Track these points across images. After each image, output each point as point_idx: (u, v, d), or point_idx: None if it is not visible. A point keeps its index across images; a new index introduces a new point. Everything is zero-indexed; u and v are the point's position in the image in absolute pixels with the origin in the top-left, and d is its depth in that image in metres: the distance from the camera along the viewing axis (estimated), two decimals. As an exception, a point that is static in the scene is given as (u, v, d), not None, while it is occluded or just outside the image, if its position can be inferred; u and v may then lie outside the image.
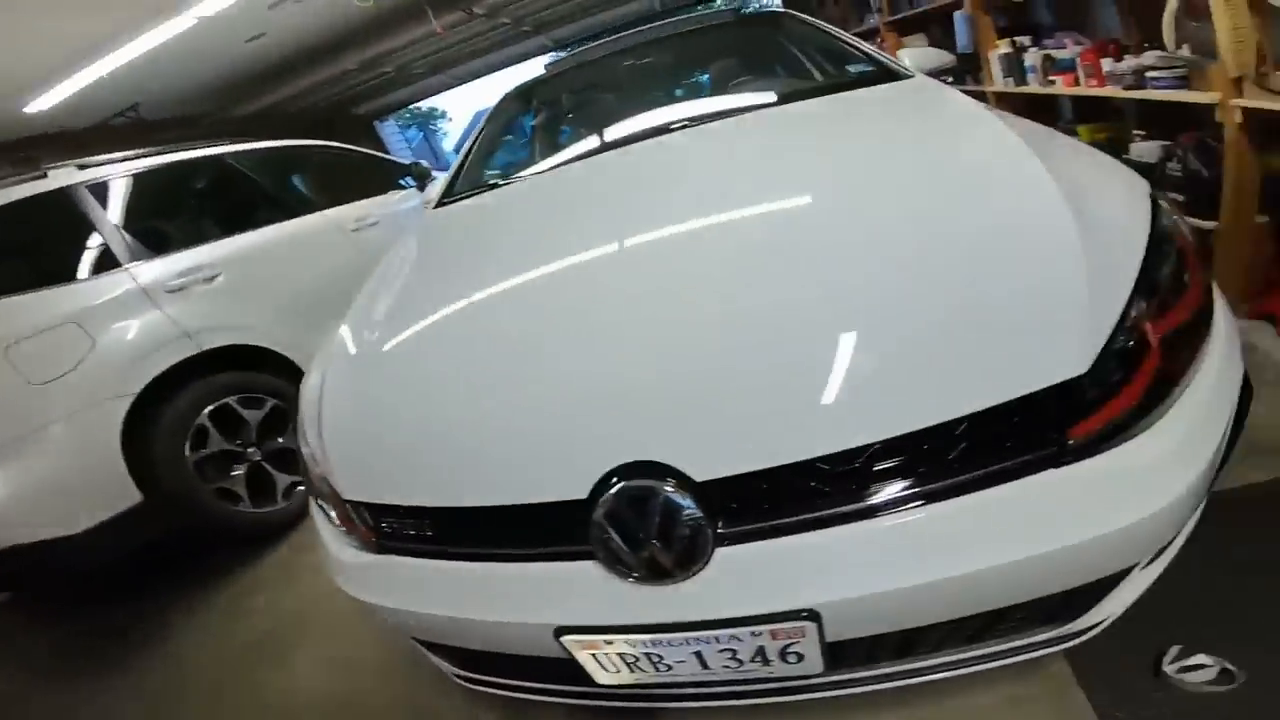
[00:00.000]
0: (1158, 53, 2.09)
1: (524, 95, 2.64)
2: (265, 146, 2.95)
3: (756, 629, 0.85)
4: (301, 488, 2.34)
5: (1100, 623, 0.99)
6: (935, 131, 1.35)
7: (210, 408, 2.21)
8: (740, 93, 2.01)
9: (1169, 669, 1.11)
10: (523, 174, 1.96)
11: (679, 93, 2.40)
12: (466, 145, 2.30)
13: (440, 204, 1.98)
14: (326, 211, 2.90)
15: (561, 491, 0.89)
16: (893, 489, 0.81)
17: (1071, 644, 0.99)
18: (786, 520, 0.83)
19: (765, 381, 0.85)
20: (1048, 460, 0.77)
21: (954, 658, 0.97)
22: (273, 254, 2.60)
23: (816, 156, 1.38)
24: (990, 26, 3.08)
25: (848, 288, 0.91)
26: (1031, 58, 2.75)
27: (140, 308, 2.12)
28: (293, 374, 2.38)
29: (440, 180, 2.23)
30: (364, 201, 3.08)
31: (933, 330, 0.82)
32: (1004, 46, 2.89)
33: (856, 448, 0.79)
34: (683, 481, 0.82)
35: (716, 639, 0.87)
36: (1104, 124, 2.65)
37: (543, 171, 1.88)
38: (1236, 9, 1.71)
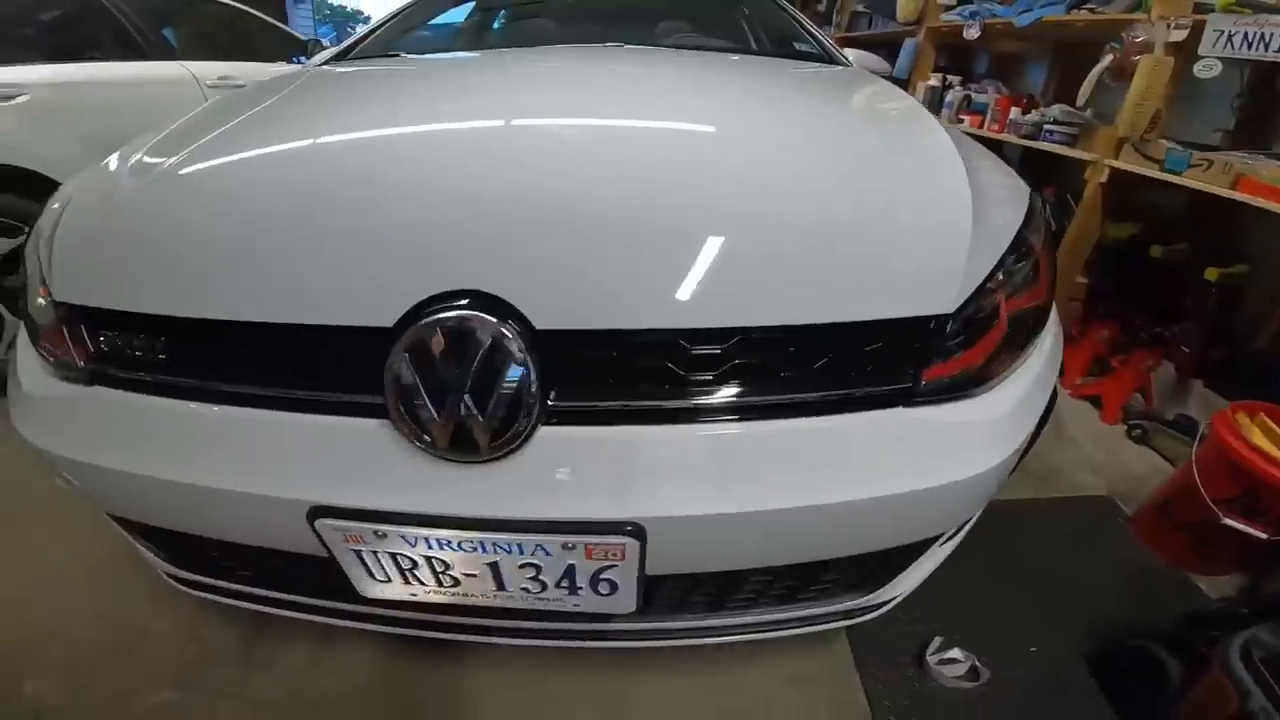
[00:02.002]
0: (1063, 107, 2.21)
1: None
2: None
3: (570, 540, 0.71)
4: None
5: (893, 599, 1.00)
6: (861, 99, 1.35)
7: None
8: (683, 36, 1.98)
9: (931, 659, 1.16)
10: (430, 54, 1.77)
11: (619, 25, 2.25)
12: (380, 18, 2.07)
13: (324, 64, 1.76)
14: (187, 63, 2.66)
15: (358, 315, 0.70)
16: (744, 391, 0.72)
17: (866, 618, 0.99)
18: (626, 405, 0.71)
19: (635, 240, 0.74)
20: (899, 395, 0.75)
21: (760, 618, 0.94)
22: (101, 90, 2.33)
23: (743, 87, 1.32)
24: (930, 59, 3.19)
25: (741, 178, 0.84)
26: (953, 95, 2.86)
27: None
28: None
29: (333, 49, 1.99)
30: (235, 63, 2.85)
31: (819, 236, 0.77)
32: (934, 79, 2.98)
33: (718, 329, 0.70)
34: (518, 328, 0.67)
35: (520, 547, 0.73)
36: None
37: (452, 52, 1.74)
38: (1158, 75, 1.80)
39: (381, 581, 0.81)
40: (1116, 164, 1.97)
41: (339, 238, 0.76)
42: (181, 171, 0.92)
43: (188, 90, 2.59)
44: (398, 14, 2.09)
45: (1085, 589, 1.33)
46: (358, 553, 0.76)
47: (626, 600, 0.79)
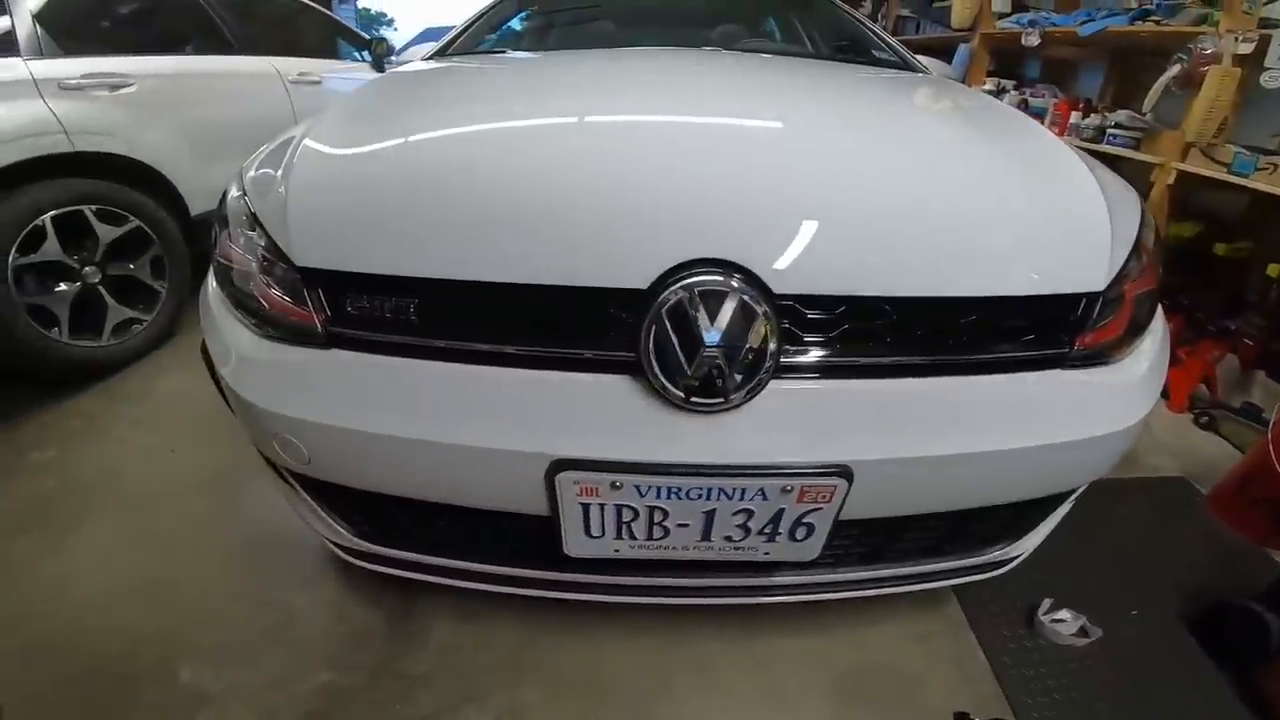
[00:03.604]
0: (1128, 112, 2.31)
1: None
2: (229, -24, 2.71)
3: (789, 483, 0.79)
4: (138, 325, 2.12)
5: (1018, 556, 1.12)
6: (966, 104, 1.46)
7: (56, 211, 1.87)
8: (760, 41, 2.05)
9: (1043, 618, 1.26)
10: (530, 52, 1.88)
11: (701, 27, 2.33)
12: (469, 18, 2.18)
13: (430, 60, 1.90)
14: (271, 58, 2.76)
15: (613, 276, 0.77)
16: (939, 351, 0.83)
17: (996, 573, 1.11)
18: (841, 360, 0.81)
19: (853, 219, 0.85)
20: (1059, 359, 0.88)
21: (907, 571, 1.04)
22: (199, 81, 2.44)
23: (857, 91, 1.44)
24: (984, 64, 3.30)
25: (918, 174, 0.97)
26: (1009, 99, 2.94)
27: (20, 94, 1.86)
28: (174, 205, 2.24)
29: (425, 46, 2.11)
30: (313, 60, 2.97)
31: (1000, 225, 0.90)
32: (989, 84, 3.07)
33: (922, 298, 0.81)
34: (758, 293, 0.76)
35: (742, 492, 0.80)
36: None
37: (553, 50, 1.82)
38: (1227, 84, 1.91)
39: (594, 538, 0.87)
40: (1184, 167, 2.08)
41: (589, 206, 0.83)
42: (411, 143, 1.01)
43: (273, 84, 2.70)
44: (482, 14, 2.20)
45: (1171, 559, 1.45)
46: (585, 506, 0.82)
47: (814, 546, 0.89)
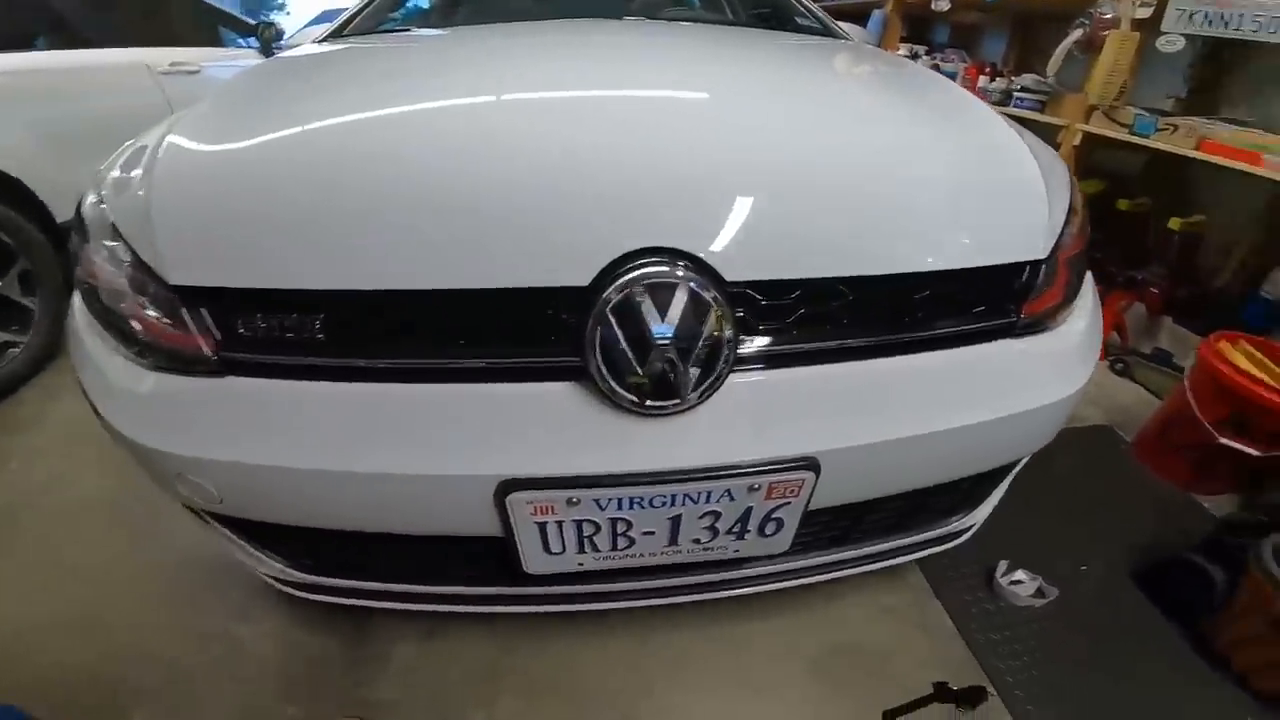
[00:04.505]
0: (1034, 76, 2.39)
1: None
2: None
3: (756, 480, 0.76)
4: (13, 349, 1.93)
5: (973, 526, 1.14)
6: (894, 72, 1.43)
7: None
8: (677, 10, 1.95)
9: (1001, 581, 1.30)
10: (438, 29, 1.71)
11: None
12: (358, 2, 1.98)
13: (324, 41, 1.71)
14: (139, 49, 2.56)
15: (551, 275, 0.70)
16: (897, 329, 0.81)
17: (955, 543, 1.13)
18: (799, 347, 0.78)
19: (802, 192, 0.80)
20: (1007, 329, 0.88)
21: (873, 549, 1.03)
22: (52, 78, 2.24)
23: (786, 60, 1.39)
24: (897, 30, 3.36)
25: (859, 146, 0.92)
26: (922, 64, 2.99)
27: None
28: (38, 213, 2.03)
29: (319, 28, 1.91)
30: (188, 49, 2.75)
31: (946, 199, 0.87)
32: (902, 49, 3.12)
33: (879, 275, 0.78)
34: (709, 281, 0.70)
35: (708, 495, 0.76)
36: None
37: (464, 25, 1.67)
38: (1126, 48, 1.99)
39: (555, 554, 0.82)
40: (1088, 128, 2.18)
41: (517, 197, 0.74)
42: (304, 134, 0.87)
43: (140, 77, 2.49)
44: None
45: (1109, 510, 1.53)
46: (541, 525, 0.77)
47: (784, 539, 0.87)
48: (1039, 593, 1.30)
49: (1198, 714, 1.12)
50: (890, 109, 1.08)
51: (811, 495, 0.80)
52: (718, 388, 0.73)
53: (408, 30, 1.70)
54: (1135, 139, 2.02)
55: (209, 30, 3.02)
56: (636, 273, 0.69)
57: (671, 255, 0.70)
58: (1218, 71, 2.12)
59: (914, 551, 1.10)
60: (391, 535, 0.83)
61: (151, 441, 0.75)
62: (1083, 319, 0.99)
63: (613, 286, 0.68)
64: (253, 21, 3.06)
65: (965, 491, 1.05)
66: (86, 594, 1.27)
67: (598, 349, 0.69)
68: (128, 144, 1.01)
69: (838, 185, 0.83)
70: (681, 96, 1.01)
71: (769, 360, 0.77)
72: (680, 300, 0.69)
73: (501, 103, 0.96)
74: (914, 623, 1.27)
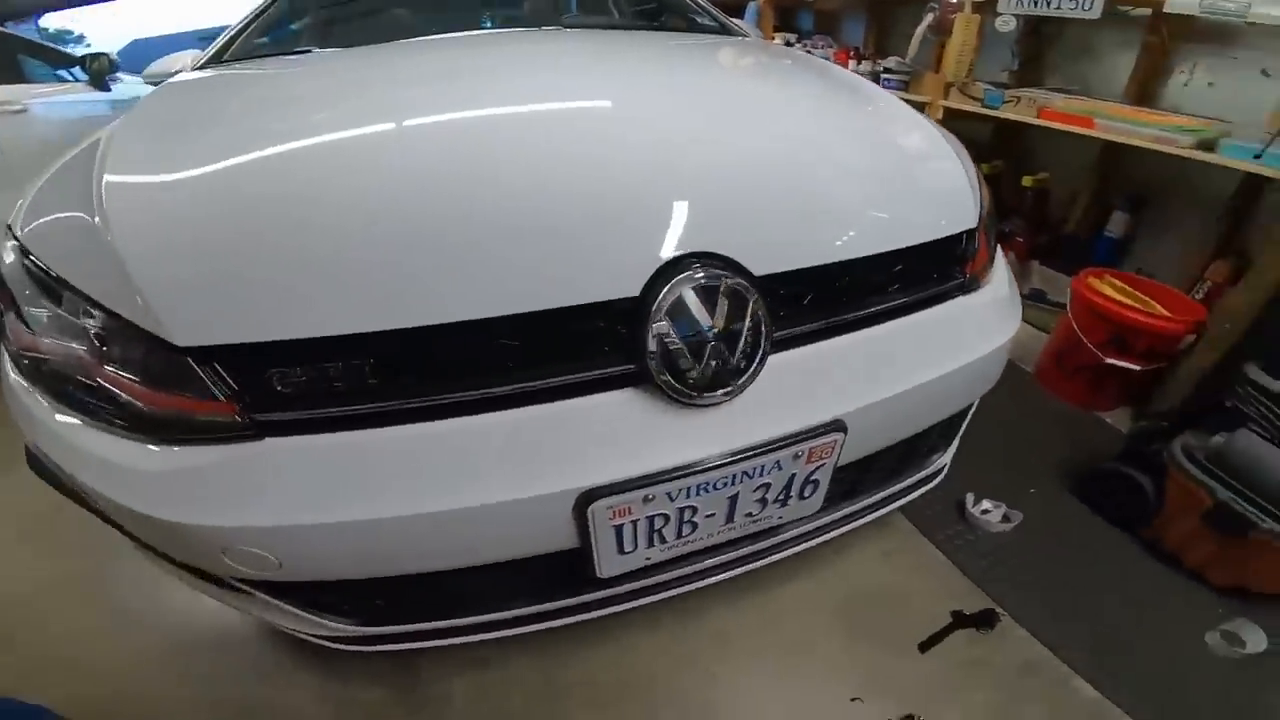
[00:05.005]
0: (896, 58, 2.65)
1: None
2: None
3: (800, 448, 0.84)
4: None
5: (944, 467, 1.28)
6: (804, 64, 1.55)
7: None
8: (572, 16, 1.99)
9: (974, 512, 1.44)
10: (319, 50, 1.57)
11: (498, 7, 2.13)
12: (239, 22, 1.80)
13: (205, 66, 1.54)
14: None
15: (604, 289, 0.73)
16: (891, 298, 0.93)
17: (935, 481, 1.26)
18: (817, 325, 0.87)
19: (800, 191, 0.91)
20: (960, 288, 1.03)
21: (879, 497, 1.15)
22: None
23: (705, 63, 1.46)
24: (770, 20, 3.57)
25: (815, 145, 1.04)
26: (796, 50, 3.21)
27: None
28: None
29: (187, 54, 1.70)
30: (7, 86, 2.51)
31: (904, 185, 1.02)
32: (778, 39, 3.32)
33: (873, 255, 0.89)
34: (743, 277, 0.77)
35: (761, 468, 0.83)
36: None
37: (358, 45, 1.54)
38: (970, 29, 2.26)
39: (627, 553, 0.85)
40: (948, 104, 2.47)
41: (560, 219, 0.77)
42: (293, 161, 0.85)
43: None
44: (254, 18, 1.82)
45: (1032, 435, 1.77)
46: (619, 528, 0.80)
47: (817, 500, 0.95)
48: (1005, 518, 1.47)
49: (1180, 614, 1.26)
50: (823, 105, 1.21)
51: (840, 453, 0.89)
52: (760, 371, 0.80)
53: (308, 51, 1.54)
54: (986, 110, 2.32)
55: (10, 65, 2.62)
56: (685, 275, 0.74)
57: (703, 258, 0.76)
58: (1040, 45, 2.48)
59: (908, 494, 1.22)
60: (455, 570, 0.82)
61: (196, 519, 0.69)
62: (1001, 271, 1.17)
63: (665, 291, 0.73)
64: (76, 53, 2.79)
65: (940, 432, 1.18)
66: (92, 690, 1.14)
67: (657, 351, 0.73)
68: (30, 188, 0.89)
69: (833, 184, 0.96)
70: (667, 111, 1.07)
71: (794, 340, 0.85)
72: (722, 297, 0.75)
73: (519, 124, 0.99)
74: (913, 563, 1.40)
